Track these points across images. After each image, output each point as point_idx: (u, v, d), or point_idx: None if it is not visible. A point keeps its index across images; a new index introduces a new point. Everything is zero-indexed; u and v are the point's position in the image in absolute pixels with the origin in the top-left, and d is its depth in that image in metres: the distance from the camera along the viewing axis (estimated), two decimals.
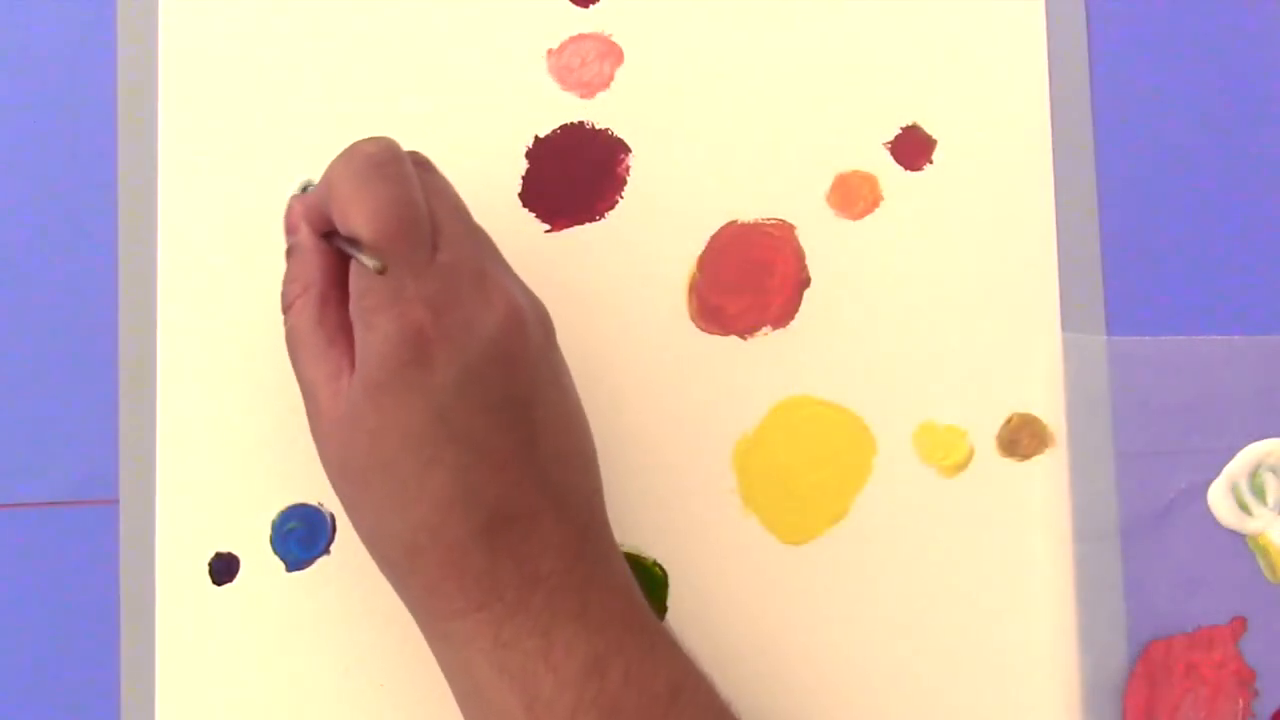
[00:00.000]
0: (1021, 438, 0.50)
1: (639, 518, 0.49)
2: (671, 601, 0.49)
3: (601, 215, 0.51)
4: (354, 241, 0.42)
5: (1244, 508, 0.50)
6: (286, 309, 0.44)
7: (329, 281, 0.44)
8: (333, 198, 0.42)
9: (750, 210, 0.51)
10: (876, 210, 0.51)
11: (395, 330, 0.41)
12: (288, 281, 0.45)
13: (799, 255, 0.51)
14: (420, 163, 0.44)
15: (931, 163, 0.51)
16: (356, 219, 0.41)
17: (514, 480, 0.42)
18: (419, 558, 0.42)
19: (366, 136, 0.43)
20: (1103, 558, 0.49)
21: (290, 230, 0.45)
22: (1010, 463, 0.50)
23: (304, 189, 0.46)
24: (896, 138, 0.51)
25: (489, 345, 0.41)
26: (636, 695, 0.41)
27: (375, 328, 0.41)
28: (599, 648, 0.41)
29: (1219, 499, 0.50)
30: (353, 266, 0.43)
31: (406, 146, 0.45)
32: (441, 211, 0.43)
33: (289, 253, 0.45)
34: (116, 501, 0.49)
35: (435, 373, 0.41)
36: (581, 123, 0.51)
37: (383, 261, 0.41)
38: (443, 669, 0.43)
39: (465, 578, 0.41)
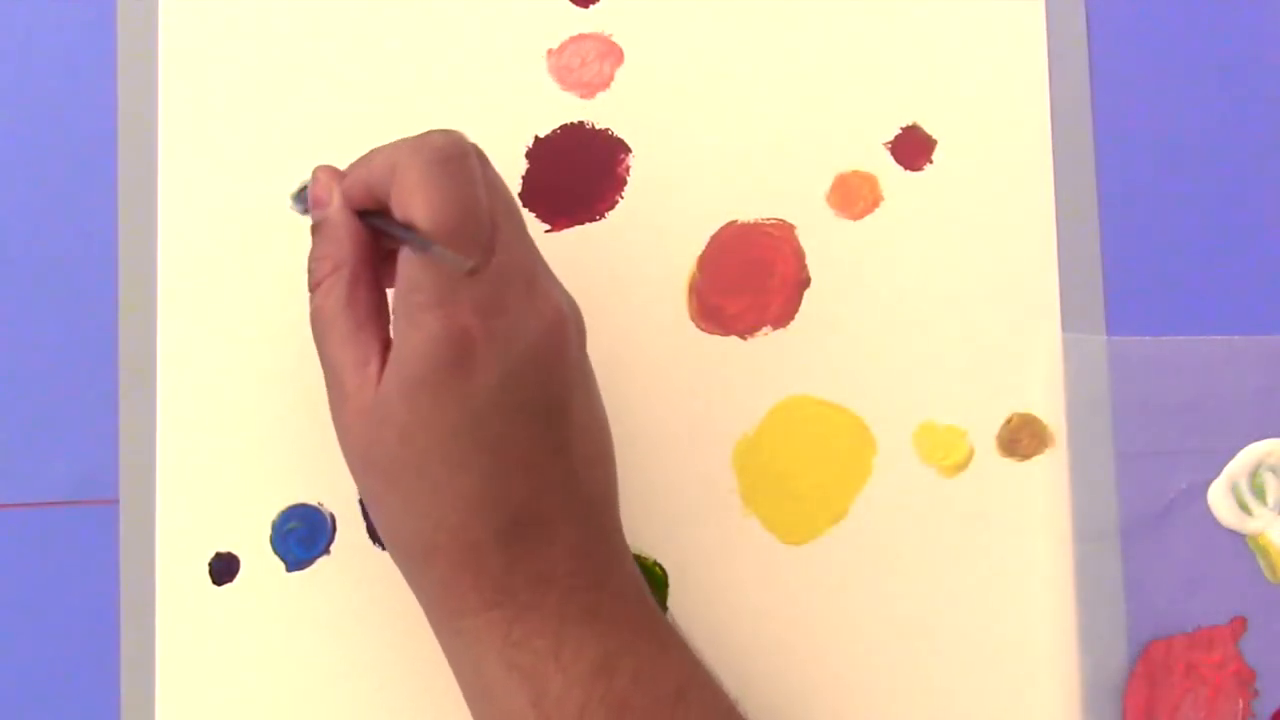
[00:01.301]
0: (1021, 438, 0.50)
1: (639, 518, 0.49)
2: (672, 602, 0.49)
3: (601, 215, 0.51)
4: (413, 231, 0.40)
5: (1244, 508, 0.50)
6: (314, 287, 0.43)
7: (361, 261, 0.43)
8: (397, 185, 0.41)
9: (750, 210, 0.51)
10: (876, 210, 0.51)
11: (441, 330, 0.40)
12: (315, 259, 0.43)
13: (799, 255, 0.51)
14: (480, 157, 0.43)
15: (931, 163, 0.51)
16: (420, 210, 0.40)
17: (540, 484, 0.42)
18: (436, 555, 0.42)
19: (438, 128, 0.42)
20: (1103, 558, 0.49)
21: (319, 204, 0.44)
22: (1010, 463, 0.50)
23: (299, 192, 0.45)
24: (896, 138, 0.51)
25: (531, 351, 0.41)
26: (644, 695, 0.41)
27: (421, 325, 0.40)
28: (609, 648, 0.42)
29: (1219, 499, 0.50)
30: (402, 255, 0.41)
31: None
32: (499, 211, 0.42)
33: (316, 228, 0.44)
34: (116, 501, 0.49)
35: (475, 376, 0.40)
36: (581, 123, 0.51)
37: (474, 261, 0.40)
38: (452, 665, 0.43)
39: (481, 577, 0.41)
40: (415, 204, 0.40)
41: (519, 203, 0.44)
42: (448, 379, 0.40)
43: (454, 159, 0.41)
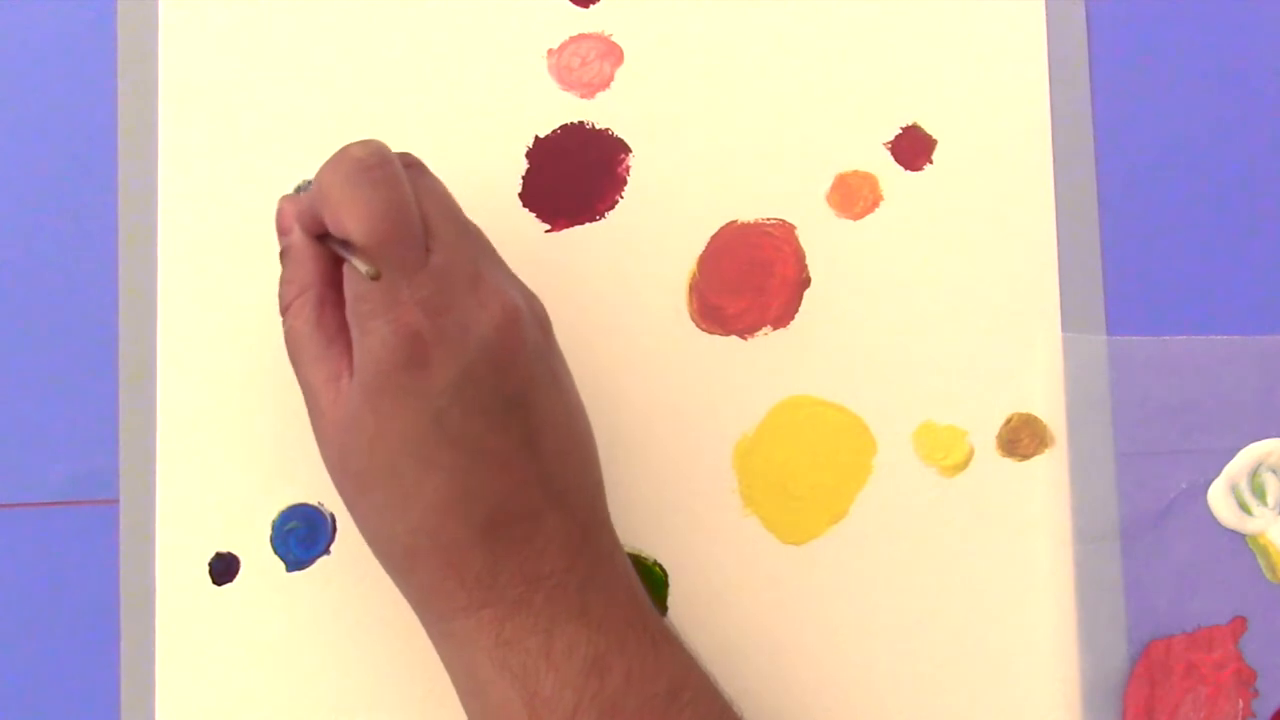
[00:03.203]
0: (1021, 438, 0.50)
1: (639, 518, 0.49)
2: (672, 601, 0.49)
3: (601, 215, 0.51)
4: (347, 245, 0.42)
5: (1244, 508, 0.50)
6: (284, 311, 0.44)
7: (325, 283, 0.44)
8: (324, 202, 0.42)
9: (750, 210, 0.51)
10: (876, 210, 0.51)
11: (391, 334, 0.41)
12: (284, 283, 0.45)
13: (799, 255, 0.51)
14: (411, 164, 0.44)
15: (931, 163, 0.51)
16: (348, 223, 0.41)
17: (514, 480, 0.42)
18: (419, 558, 0.42)
19: (356, 140, 0.43)
20: (1103, 558, 0.49)
21: (282, 232, 0.45)
22: (1010, 463, 0.50)
23: (299, 189, 0.46)
24: (896, 138, 0.51)
25: (485, 346, 0.41)
26: (637, 694, 0.41)
27: (371, 332, 0.41)
28: (600, 646, 0.42)
29: (1219, 499, 0.50)
30: (346, 270, 0.43)
31: (406, 147, 0.45)
32: (433, 213, 0.43)
33: (283, 255, 0.45)
34: (116, 501, 0.49)
35: (432, 375, 0.41)
36: (581, 123, 0.51)
37: (375, 268, 0.41)
38: (446, 667, 0.43)
39: (466, 577, 0.41)
40: (342, 217, 0.42)
41: (458, 203, 0.44)
42: (406, 379, 0.41)
43: (373, 167, 0.42)
